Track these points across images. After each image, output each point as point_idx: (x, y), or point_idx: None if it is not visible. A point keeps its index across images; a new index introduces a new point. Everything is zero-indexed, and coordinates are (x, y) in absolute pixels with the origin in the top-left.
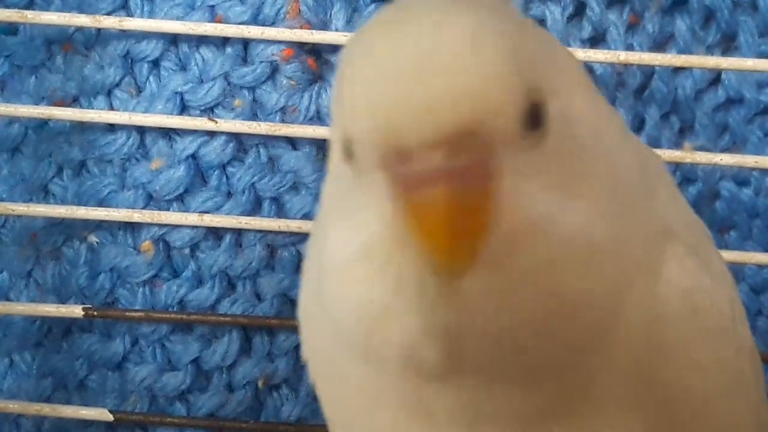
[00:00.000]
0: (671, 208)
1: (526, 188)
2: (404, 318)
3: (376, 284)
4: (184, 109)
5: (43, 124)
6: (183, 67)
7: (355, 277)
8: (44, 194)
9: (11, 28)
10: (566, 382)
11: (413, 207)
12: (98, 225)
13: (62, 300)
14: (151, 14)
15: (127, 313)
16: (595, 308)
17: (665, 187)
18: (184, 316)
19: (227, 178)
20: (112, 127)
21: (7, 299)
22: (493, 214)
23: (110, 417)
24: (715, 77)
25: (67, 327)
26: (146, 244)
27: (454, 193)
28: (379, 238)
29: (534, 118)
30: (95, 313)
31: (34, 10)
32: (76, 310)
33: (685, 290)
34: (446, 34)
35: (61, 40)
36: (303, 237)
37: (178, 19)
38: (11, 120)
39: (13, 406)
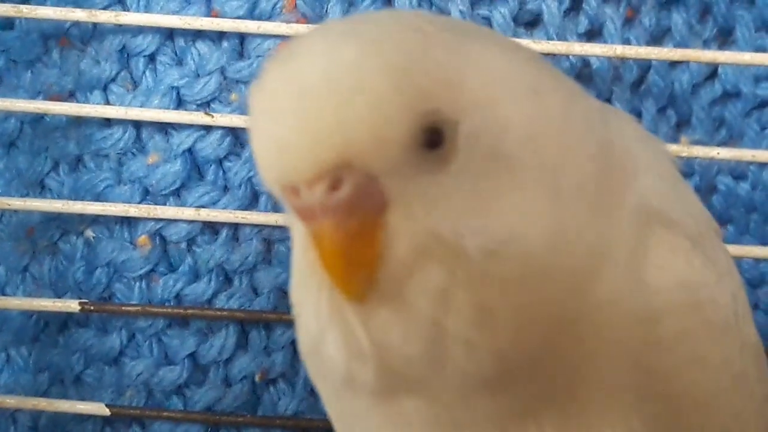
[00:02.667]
0: (666, 195)
1: (422, 213)
2: (332, 342)
3: (310, 312)
4: (180, 103)
5: (39, 118)
6: (179, 62)
7: (300, 305)
8: (41, 189)
9: (7, 23)
10: (538, 383)
11: (313, 237)
12: (95, 220)
13: (59, 295)
14: (147, 8)
15: (123, 308)
16: (533, 314)
17: (659, 173)
18: (181, 311)
19: (224, 172)
20: (108, 122)
21: (4, 294)
22: (384, 242)
23: (107, 411)
24: (712, 71)
25: (64, 322)
26: (143, 239)
27: (336, 225)
28: (302, 265)
29: (433, 140)
30: (92, 307)
31: (30, 4)
32: (72, 305)
33: (686, 285)
34: (321, 73)
35: (58, 35)
36: None
37: (174, 13)
38: (7, 115)
39: (10, 401)
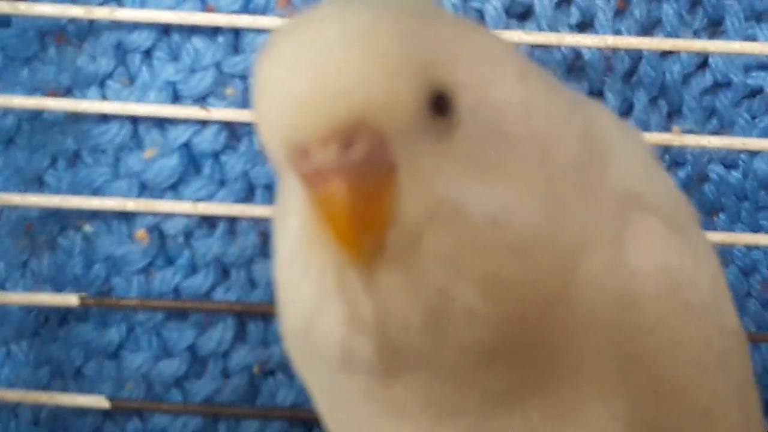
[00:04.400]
0: (644, 181)
1: (430, 177)
2: (330, 315)
3: (304, 284)
4: (176, 98)
5: (36, 115)
6: (175, 57)
7: (289, 278)
8: (39, 185)
9: (4, 20)
10: (525, 362)
11: (318, 202)
12: (93, 214)
13: (58, 289)
14: (143, 4)
15: (122, 302)
16: (528, 286)
17: (636, 159)
18: (180, 304)
19: (220, 166)
20: (105, 118)
21: (3, 289)
22: (395, 204)
23: (107, 404)
24: (703, 61)
25: (63, 316)
26: (141, 233)
27: (349, 185)
28: (299, 236)
29: (440, 106)
30: (90, 301)
31: (26, 1)
32: (71, 299)
33: (665, 268)
34: (335, 32)
35: (54, 32)
36: None
37: (169, 9)
38: (5, 111)
39: (12, 395)
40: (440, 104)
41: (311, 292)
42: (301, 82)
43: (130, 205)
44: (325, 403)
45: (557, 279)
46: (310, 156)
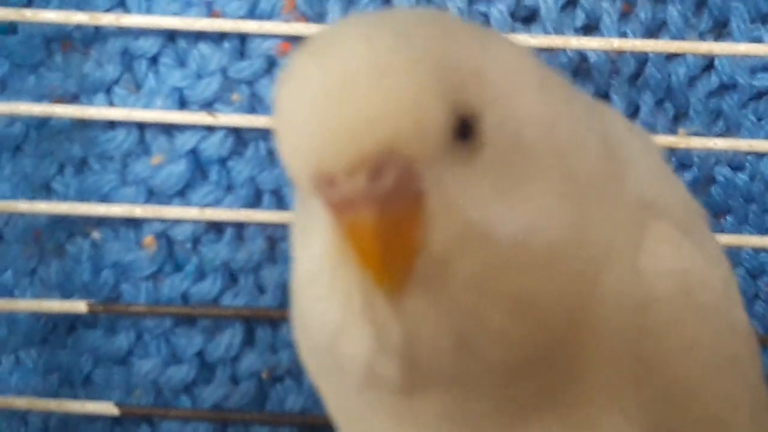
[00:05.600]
0: (657, 186)
1: (458, 201)
2: (357, 336)
3: (329, 305)
4: (183, 104)
5: (43, 122)
6: (181, 63)
7: (312, 298)
8: (47, 192)
9: (10, 27)
10: (546, 376)
11: (345, 230)
12: (100, 221)
13: (66, 296)
14: (149, 11)
15: (130, 308)
16: (557, 303)
17: (649, 164)
18: (188, 310)
19: (227, 172)
20: (112, 124)
21: (12, 297)
22: (423, 231)
23: (116, 411)
24: (708, 63)
25: (72, 323)
26: (148, 239)
27: (378, 214)
28: (324, 260)
29: (464, 130)
30: (99, 308)
31: (32, 8)
32: (80, 306)
33: (677, 271)
34: (362, 60)
35: (60, 38)
36: None
37: (175, 15)
38: (12, 119)
39: (21, 402)
40: (465, 128)
41: (336, 314)
42: (327, 112)
43: (138, 211)
44: (341, 414)
45: (581, 292)
46: (337, 185)
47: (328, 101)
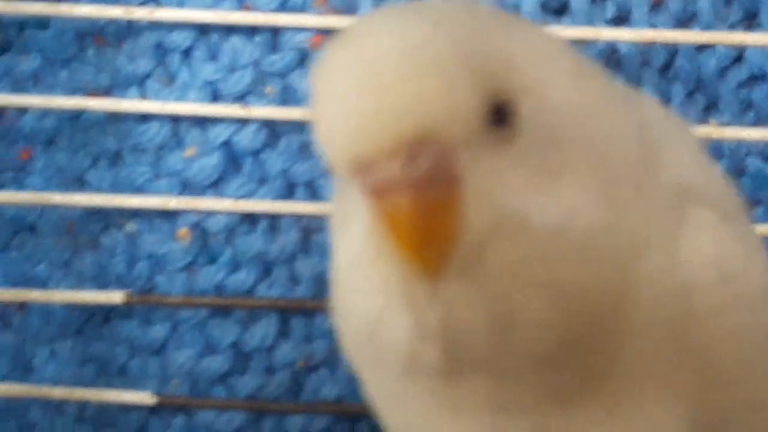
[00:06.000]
0: (695, 174)
1: (493, 188)
2: (397, 322)
3: (369, 292)
4: (216, 97)
5: (76, 116)
6: (214, 56)
7: (352, 285)
8: (80, 185)
9: (42, 22)
10: (585, 363)
11: (383, 215)
12: (135, 213)
13: (101, 288)
14: (181, 4)
15: (166, 299)
16: (593, 291)
17: (686, 152)
18: (223, 301)
19: (260, 164)
20: (145, 117)
21: (46, 289)
22: (460, 216)
23: (154, 400)
24: (739, 54)
25: (107, 314)
26: (183, 231)
27: (416, 200)
28: (364, 247)
29: (500, 117)
30: (135, 299)
31: (65, 3)
32: (116, 297)
33: (717, 258)
34: (398, 46)
35: (93, 33)
36: None
37: (207, 8)
38: (45, 113)
39: (58, 392)
40: (501, 115)
41: (375, 301)
42: (363, 97)
43: (173, 203)
44: (382, 402)
45: (619, 280)
46: (374, 170)
47: (365, 87)
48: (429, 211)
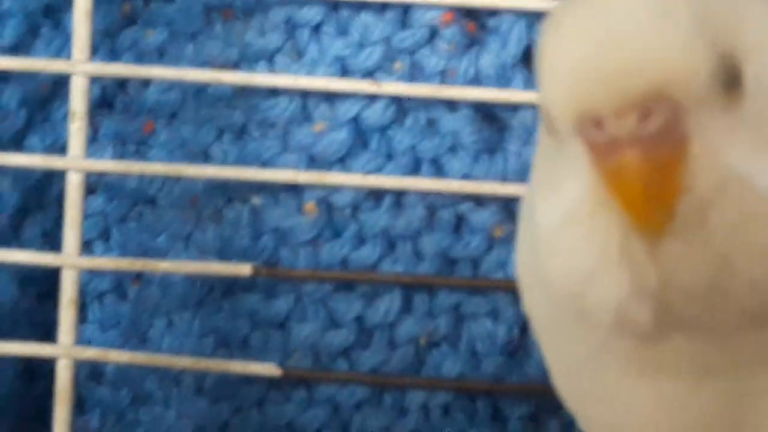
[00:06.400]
0: None
1: (719, 149)
2: (611, 281)
3: (583, 250)
4: (345, 73)
5: (201, 89)
6: (343, 32)
7: (562, 245)
8: (204, 158)
9: None
10: None
11: (609, 172)
12: (261, 187)
13: (224, 261)
14: None
15: (292, 272)
16: None
17: None
18: (348, 275)
19: (387, 140)
20: (274, 92)
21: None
22: (688, 175)
23: (279, 372)
24: None
25: (229, 287)
26: (310, 205)
27: (646, 157)
28: (581, 205)
29: (728, 80)
30: (263, 271)
31: None
32: (244, 269)
33: None
34: (634, 3)
35: (221, 7)
36: (462, 198)
37: None
38: (169, 86)
39: (183, 361)
40: (729, 77)
41: (588, 259)
42: (598, 52)
43: (301, 177)
44: (562, 369)
45: None
46: (604, 126)
47: (600, 42)
48: (656, 168)
